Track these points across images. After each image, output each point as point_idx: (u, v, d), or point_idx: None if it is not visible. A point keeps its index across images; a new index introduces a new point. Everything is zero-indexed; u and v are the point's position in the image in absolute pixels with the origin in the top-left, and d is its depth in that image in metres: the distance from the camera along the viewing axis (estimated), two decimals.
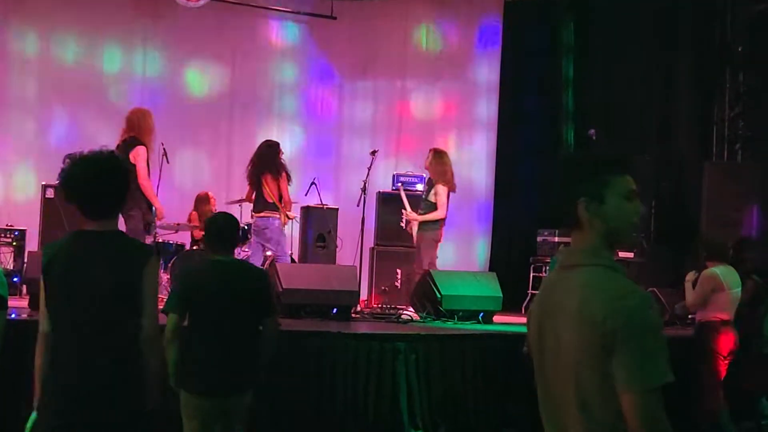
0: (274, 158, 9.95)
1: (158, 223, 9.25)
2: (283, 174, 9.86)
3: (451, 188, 10.31)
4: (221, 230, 5.14)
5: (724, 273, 7.55)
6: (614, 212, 2.69)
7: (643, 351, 2.44)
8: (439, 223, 10.19)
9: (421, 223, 10.21)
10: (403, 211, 10.52)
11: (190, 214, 11.51)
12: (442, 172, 10.28)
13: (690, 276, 7.81)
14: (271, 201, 9.79)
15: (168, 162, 9.90)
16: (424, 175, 10.90)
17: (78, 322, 3.74)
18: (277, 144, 10.26)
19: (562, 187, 2.76)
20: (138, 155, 8.78)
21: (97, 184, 3.76)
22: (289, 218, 10.03)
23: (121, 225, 8.45)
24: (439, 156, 10.41)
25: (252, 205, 10.07)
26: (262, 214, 9.87)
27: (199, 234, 11.04)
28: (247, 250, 10.79)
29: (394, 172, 12.05)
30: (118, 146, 8.78)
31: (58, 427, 3.74)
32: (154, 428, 3.92)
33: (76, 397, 3.70)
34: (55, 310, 3.82)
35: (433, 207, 10.16)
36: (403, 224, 10.83)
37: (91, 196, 3.78)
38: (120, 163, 3.92)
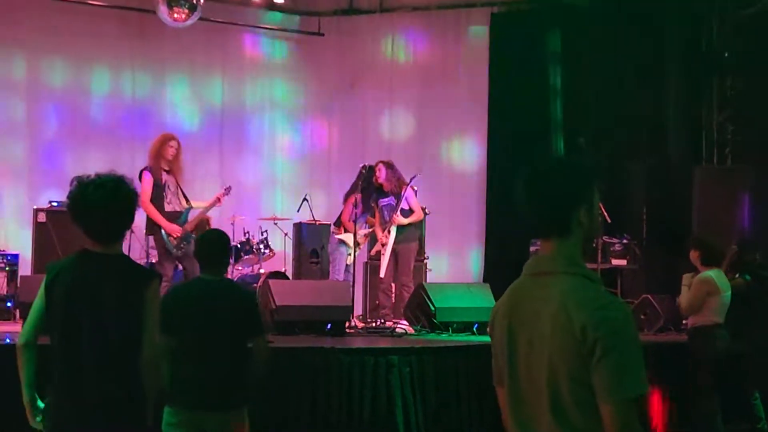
0: (355, 181, 10.51)
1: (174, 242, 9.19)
2: (349, 197, 10.28)
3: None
4: (210, 248, 5.07)
5: (717, 276, 7.59)
6: (596, 220, 2.73)
7: (624, 363, 2.46)
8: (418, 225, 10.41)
9: (404, 231, 10.25)
10: (396, 216, 10.31)
11: None
12: (400, 178, 10.47)
13: (686, 279, 7.83)
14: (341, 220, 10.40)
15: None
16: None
17: (81, 341, 3.80)
18: (363, 167, 10.56)
19: (549, 193, 2.68)
20: (142, 180, 8.96)
21: (104, 208, 3.83)
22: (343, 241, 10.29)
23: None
24: (390, 166, 10.56)
25: None
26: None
27: None
28: (240, 267, 10.82)
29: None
30: None
31: None
32: None
33: (78, 414, 3.77)
34: (55, 328, 3.87)
35: (410, 212, 10.25)
36: (384, 244, 10.36)
37: (98, 219, 3.85)
38: (127, 188, 3.94)
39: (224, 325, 4.88)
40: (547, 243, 2.69)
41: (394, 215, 10.24)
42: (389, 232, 10.24)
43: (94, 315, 3.80)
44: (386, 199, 10.44)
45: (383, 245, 10.28)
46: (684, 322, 8.87)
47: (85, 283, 3.83)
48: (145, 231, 9.36)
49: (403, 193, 10.30)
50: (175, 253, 9.06)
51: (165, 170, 9.27)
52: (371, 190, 10.48)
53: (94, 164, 9.70)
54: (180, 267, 9.26)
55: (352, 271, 10.45)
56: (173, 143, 9.32)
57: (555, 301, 2.57)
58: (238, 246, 10.58)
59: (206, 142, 13.09)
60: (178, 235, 9.12)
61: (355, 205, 10.25)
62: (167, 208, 9.13)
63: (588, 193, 2.68)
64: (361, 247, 10.52)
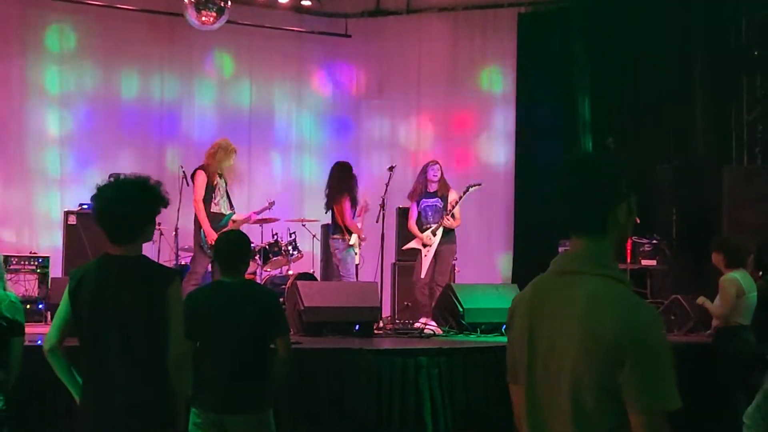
0: (341, 181, 10.20)
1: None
2: (344, 196, 10.05)
3: None
4: (229, 250, 5.05)
5: (742, 277, 7.54)
6: (633, 220, 2.62)
7: (658, 372, 2.37)
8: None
9: (449, 232, 10.22)
10: (447, 218, 10.17)
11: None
12: (446, 182, 10.44)
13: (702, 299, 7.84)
14: (340, 224, 10.06)
15: (188, 184, 9.94)
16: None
17: (108, 345, 3.83)
18: (345, 166, 10.41)
19: (589, 187, 2.54)
20: (195, 178, 9.43)
21: (118, 211, 3.86)
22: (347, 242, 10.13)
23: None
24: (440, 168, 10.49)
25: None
26: (333, 237, 10.18)
27: None
28: (269, 269, 10.83)
29: None
30: None
31: None
32: None
33: (107, 417, 3.80)
34: (82, 333, 3.91)
35: (452, 216, 10.21)
36: (426, 244, 10.30)
37: (113, 222, 3.88)
38: (146, 190, 3.94)
39: (246, 326, 4.86)
40: (579, 241, 2.57)
41: (446, 217, 10.18)
42: (434, 233, 10.23)
43: (119, 318, 3.82)
44: (432, 200, 10.32)
45: (425, 245, 10.26)
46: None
47: (107, 287, 3.85)
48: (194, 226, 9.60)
49: (461, 198, 10.22)
50: (208, 254, 9.16)
51: (218, 173, 9.57)
52: (421, 191, 10.35)
53: (124, 167, 9.80)
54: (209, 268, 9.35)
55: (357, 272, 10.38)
56: (234, 155, 9.72)
57: (583, 303, 2.46)
58: (266, 248, 10.60)
59: (234, 144, 13.11)
60: (211, 242, 9.27)
61: (353, 205, 10.19)
62: (213, 208, 9.44)
63: (628, 190, 2.57)
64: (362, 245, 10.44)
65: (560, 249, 12.07)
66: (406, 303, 11.18)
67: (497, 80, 13.54)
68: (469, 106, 13.64)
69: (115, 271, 3.88)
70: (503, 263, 13.15)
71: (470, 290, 9.93)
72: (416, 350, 7.59)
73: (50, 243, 11.46)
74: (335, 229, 10.17)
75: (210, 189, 9.42)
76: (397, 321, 10.57)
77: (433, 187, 10.34)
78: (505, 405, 7.47)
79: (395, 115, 13.80)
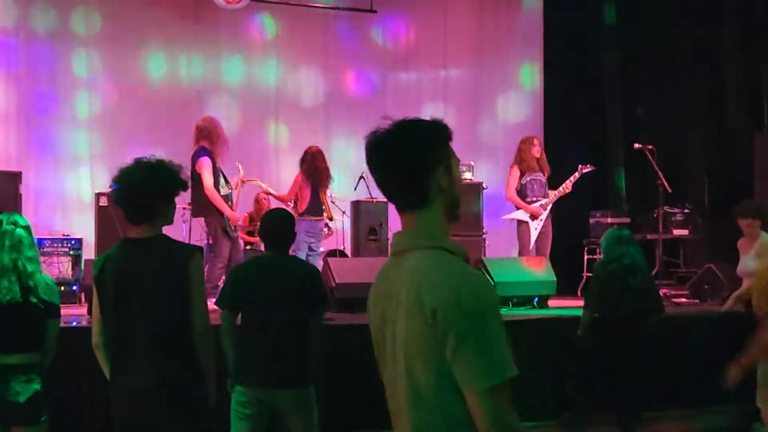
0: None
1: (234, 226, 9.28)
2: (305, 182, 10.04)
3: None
4: (275, 227, 5.09)
5: None
6: (457, 182, 2.42)
7: (484, 345, 2.15)
8: None
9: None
10: (562, 189, 10.46)
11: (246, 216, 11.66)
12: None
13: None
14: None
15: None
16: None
17: (133, 327, 3.89)
18: (309, 149, 10.30)
19: (395, 161, 2.35)
20: (202, 166, 8.88)
21: (133, 188, 3.94)
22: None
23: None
24: None
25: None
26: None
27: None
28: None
29: None
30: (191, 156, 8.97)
31: (122, 426, 3.91)
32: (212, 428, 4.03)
33: (138, 397, 3.85)
34: (109, 319, 3.97)
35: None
36: (536, 217, 10.44)
37: (127, 202, 3.97)
38: (162, 171, 4.01)
39: (287, 298, 4.88)
40: (406, 217, 2.40)
41: (562, 188, 10.42)
42: (544, 207, 10.39)
43: (142, 298, 3.88)
44: (537, 174, 10.47)
45: (533, 218, 10.35)
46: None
47: (128, 270, 3.92)
48: (191, 213, 9.38)
49: (575, 176, 10.41)
50: (233, 236, 9.09)
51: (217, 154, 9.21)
52: (529, 164, 10.42)
53: (154, 148, 9.79)
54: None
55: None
56: (223, 129, 9.32)
57: (406, 278, 2.30)
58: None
59: (261, 122, 13.18)
60: (238, 221, 9.23)
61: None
62: (221, 192, 9.10)
63: (439, 154, 2.36)
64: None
65: (591, 220, 12.06)
66: None
67: (524, 51, 13.50)
68: (495, 79, 13.58)
69: (135, 253, 3.95)
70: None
71: (501, 264, 9.90)
72: None
73: (83, 225, 11.54)
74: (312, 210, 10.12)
75: (216, 173, 9.03)
76: None
77: (541, 162, 10.50)
78: (539, 378, 7.50)
79: (421, 90, 13.73)
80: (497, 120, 13.69)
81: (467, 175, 11.51)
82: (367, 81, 13.84)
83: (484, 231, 11.48)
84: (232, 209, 9.07)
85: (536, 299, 9.48)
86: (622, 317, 6.69)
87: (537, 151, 10.51)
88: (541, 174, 10.49)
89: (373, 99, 13.61)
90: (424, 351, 2.23)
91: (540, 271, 9.73)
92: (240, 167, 9.88)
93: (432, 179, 2.35)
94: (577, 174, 10.43)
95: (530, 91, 13.52)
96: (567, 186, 10.45)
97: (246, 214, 11.70)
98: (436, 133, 2.39)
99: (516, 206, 10.48)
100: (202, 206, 9.05)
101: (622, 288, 6.72)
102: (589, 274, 10.97)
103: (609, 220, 11.70)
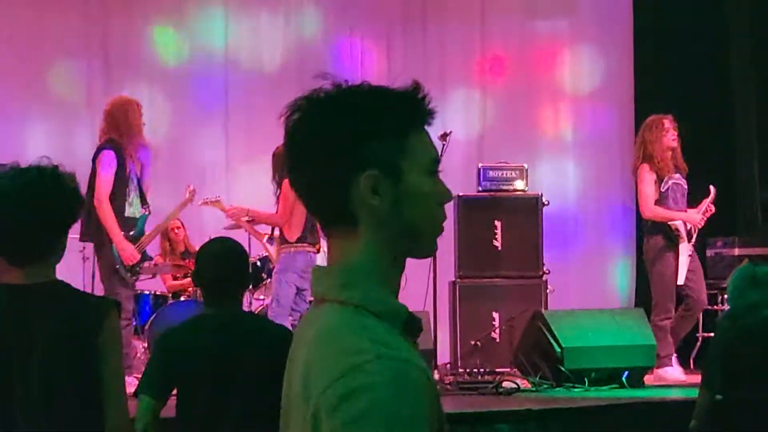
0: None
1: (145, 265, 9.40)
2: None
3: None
4: (217, 268, 5.03)
5: None
6: (416, 198, 2.24)
7: None
8: None
9: None
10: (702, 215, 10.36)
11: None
12: None
13: None
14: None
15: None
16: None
17: (19, 407, 3.86)
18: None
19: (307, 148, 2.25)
20: (100, 163, 8.82)
21: (7, 214, 3.88)
22: None
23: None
24: None
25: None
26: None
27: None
28: (262, 297, 10.72)
29: (480, 164, 11.87)
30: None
31: None
32: None
33: None
34: None
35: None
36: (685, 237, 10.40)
37: (8, 229, 3.91)
38: (49, 187, 3.92)
39: (249, 377, 4.83)
40: (330, 242, 2.32)
41: (707, 205, 10.33)
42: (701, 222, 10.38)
43: (29, 373, 3.84)
44: (678, 177, 10.35)
45: (681, 238, 10.22)
46: None
47: (9, 330, 3.88)
48: (80, 236, 9.07)
49: (709, 206, 10.33)
50: (129, 279, 9.01)
51: (131, 153, 9.07)
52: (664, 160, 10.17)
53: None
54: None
55: None
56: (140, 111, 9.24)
57: (305, 353, 2.23)
58: (258, 264, 10.47)
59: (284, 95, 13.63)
60: (135, 262, 9.06)
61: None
62: (128, 211, 9.00)
63: (374, 147, 2.20)
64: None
65: (708, 252, 11.99)
66: (474, 342, 10.98)
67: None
68: (559, 40, 13.86)
69: (18, 306, 3.91)
70: (620, 275, 13.27)
71: (572, 320, 9.98)
72: (492, 414, 7.74)
73: None
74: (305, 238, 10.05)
75: (122, 181, 8.92)
76: (460, 370, 10.49)
77: (672, 158, 10.27)
78: None
79: (447, 55, 13.85)
80: (565, 93, 13.78)
81: (518, 184, 11.38)
82: (377, 36, 14.09)
83: (545, 269, 11.34)
84: (138, 242, 8.85)
85: (626, 374, 9.50)
86: (762, 401, 6.56)
87: (672, 139, 10.22)
88: (680, 176, 10.30)
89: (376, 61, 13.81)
90: None
91: (632, 330, 9.64)
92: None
93: (354, 189, 2.19)
94: (709, 201, 10.27)
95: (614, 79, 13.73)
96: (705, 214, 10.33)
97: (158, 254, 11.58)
98: (374, 112, 2.20)
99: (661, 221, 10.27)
100: (93, 229, 8.86)
101: (762, 354, 6.62)
102: (708, 335, 10.84)
103: (737, 251, 11.64)
